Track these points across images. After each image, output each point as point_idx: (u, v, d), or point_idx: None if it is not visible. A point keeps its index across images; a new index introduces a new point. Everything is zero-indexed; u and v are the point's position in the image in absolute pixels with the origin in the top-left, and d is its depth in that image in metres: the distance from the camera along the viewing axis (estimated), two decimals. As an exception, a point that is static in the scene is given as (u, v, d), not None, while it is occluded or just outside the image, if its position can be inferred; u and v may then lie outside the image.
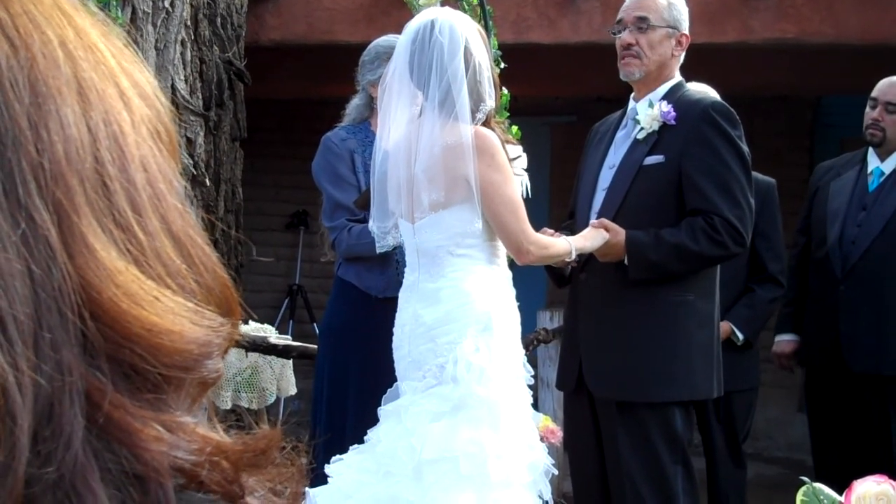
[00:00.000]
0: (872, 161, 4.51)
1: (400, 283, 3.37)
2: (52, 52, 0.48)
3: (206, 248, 0.53)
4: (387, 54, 3.76)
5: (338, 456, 3.12)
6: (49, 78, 0.47)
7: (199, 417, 0.51)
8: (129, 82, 0.52)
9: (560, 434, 4.05)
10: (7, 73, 0.46)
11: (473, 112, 3.09)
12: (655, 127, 3.48)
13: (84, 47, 0.50)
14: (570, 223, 3.74)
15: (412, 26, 3.17)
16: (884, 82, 4.47)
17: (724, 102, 3.53)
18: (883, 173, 4.46)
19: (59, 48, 0.48)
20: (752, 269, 4.55)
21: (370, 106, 3.91)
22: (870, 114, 4.46)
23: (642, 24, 3.51)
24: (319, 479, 3.02)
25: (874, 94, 4.47)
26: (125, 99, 0.51)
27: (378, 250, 3.46)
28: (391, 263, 3.75)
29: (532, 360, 3.56)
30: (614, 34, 3.60)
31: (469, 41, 3.10)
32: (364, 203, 3.61)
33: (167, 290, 0.49)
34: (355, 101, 3.99)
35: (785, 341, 4.74)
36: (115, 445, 0.47)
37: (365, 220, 3.64)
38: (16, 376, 0.43)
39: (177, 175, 0.53)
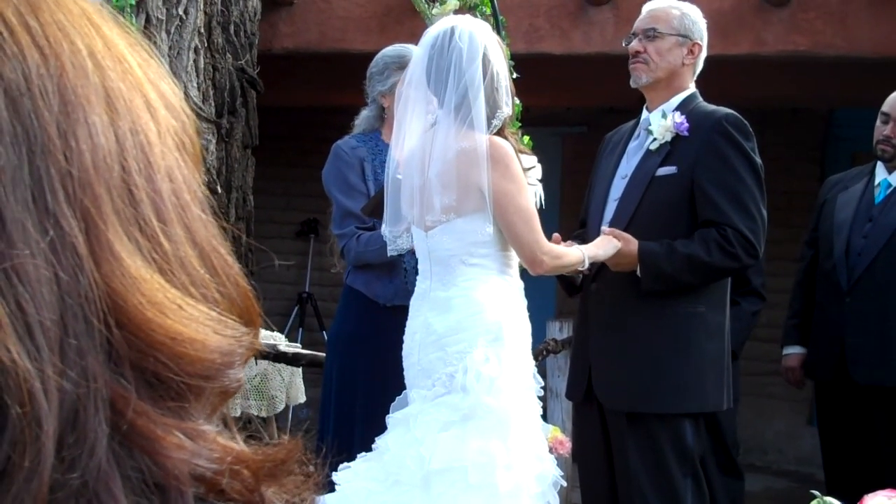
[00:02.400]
0: (880, 173, 4.50)
1: (408, 292, 3.37)
2: (82, 62, 0.48)
3: (228, 259, 0.53)
4: (396, 64, 3.77)
5: (346, 464, 3.12)
6: (78, 87, 0.48)
7: (219, 426, 0.51)
8: (155, 93, 0.52)
9: (569, 445, 4.05)
10: (37, 81, 0.46)
11: (489, 119, 3.10)
12: (668, 138, 3.49)
13: (112, 58, 0.50)
14: (581, 233, 3.74)
15: (431, 33, 3.18)
16: (895, 97, 4.45)
17: (737, 114, 3.53)
18: (890, 185, 4.45)
19: (88, 58, 0.49)
20: (736, 283, 4.58)
21: (381, 117, 3.92)
22: (880, 129, 4.43)
23: (651, 32, 3.55)
24: (327, 486, 3.02)
25: (885, 108, 4.44)
26: (152, 109, 0.51)
27: (389, 253, 3.46)
28: (399, 272, 3.75)
29: (541, 371, 3.55)
30: (626, 45, 3.63)
31: (488, 49, 3.11)
32: (371, 210, 3.62)
33: (191, 299, 0.50)
34: (365, 113, 3.99)
35: (792, 355, 4.73)
36: (137, 453, 0.47)
37: (374, 228, 3.65)
38: (42, 382, 0.44)
39: (201, 186, 0.53)
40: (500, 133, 3.13)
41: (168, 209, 0.50)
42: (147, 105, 0.51)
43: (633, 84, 3.59)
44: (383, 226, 3.34)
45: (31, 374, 0.43)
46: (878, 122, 4.45)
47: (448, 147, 3.09)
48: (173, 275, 0.49)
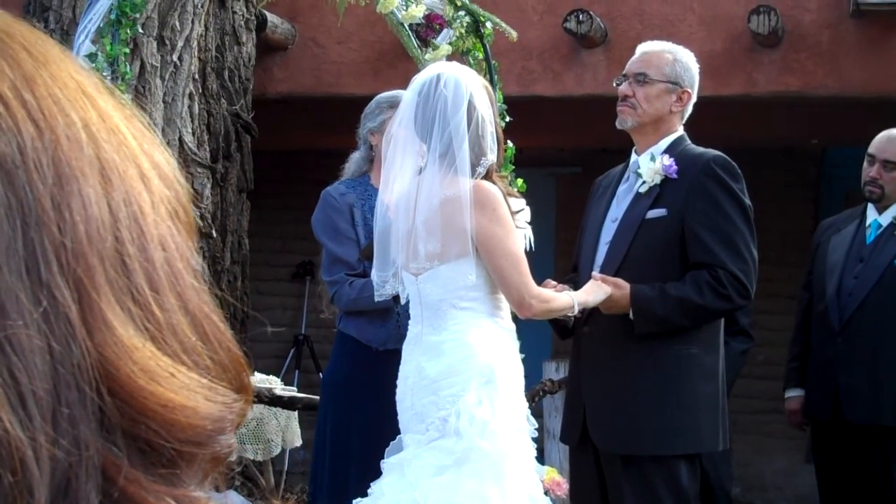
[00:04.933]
0: (871, 214, 4.53)
1: (400, 336, 3.37)
2: (76, 134, 0.49)
3: (220, 326, 0.54)
4: (388, 103, 3.79)
5: (341, 509, 3.11)
6: (72, 159, 0.48)
7: (210, 492, 0.52)
8: (149, 164, 0.53)
9: (566, 486, 4.02)
10: (32, 154, 0.47)
11: (474, 166, 3.12)
12: (657, 180, 3.50)
13: (107, 129, 0.51)
14: (573, 276, 3.74)
15: (419, 79, 3.21)
16: (880, 138, 4.48)
17: (725, 156, 3.55)
18: (880, 226, 4.48)
19: (82, 130, 0.50)
20: (724, 323, 4.59)
21: (370, 159, 3.93)
22: (867, 170, 4.48)
23: (641, 77, 3.56)
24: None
25: (871, 150, 4.48)
26: (145, 180, 0.52)
27: (376, 299, 3.46)
28: (391, 316, 3.75)
29: (538, 411, 3.55)
30: (616, 85, 3.65)
31: (473, 96, 3.13)
32: (369, 253, 3.63)
33: (182, 367, 0.50)
34: (355, 156, 4.01)
35: (794, 398, 4.75)
36: None
37: (364, 274, 3.65)
38: (34, 450, 0.44)
39: (193, 254, 0.54)
40: (487, 178, 3.14)
41: (161, 278, 0.51)
42: (141, 175, 0.52)
43: (618, 125, 3.61)
44: (372, 271, 3.35)
45: (24, 443, 0.44)
46: (864, 164, 4.49)
47: (433, 195, 3.10)
48: (165, 343, 0.50)
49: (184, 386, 0.49)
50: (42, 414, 0.45)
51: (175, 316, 0.51)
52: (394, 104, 3.63)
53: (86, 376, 0.46)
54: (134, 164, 0.52)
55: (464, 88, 3.12)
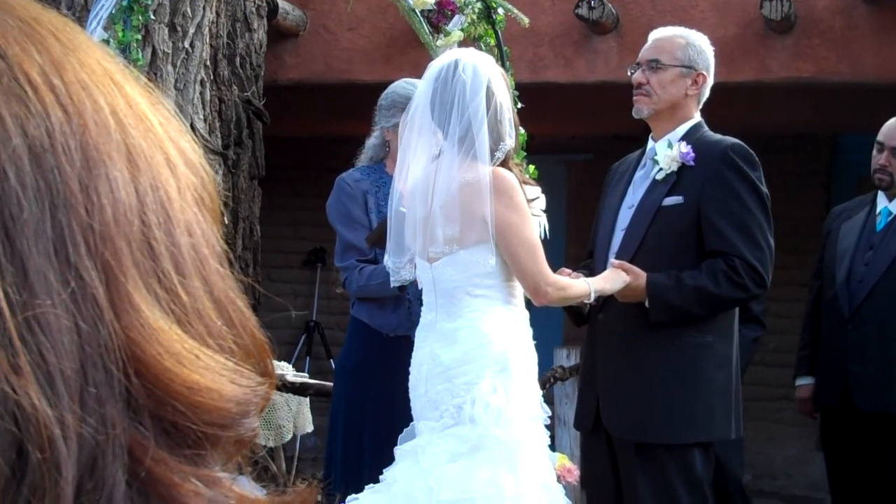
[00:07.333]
0: (881, 202, 4.52)
1: (412, 323, 3.38)
2: (104, 120, 0.50)
3: (245, 311, 0.54)
4: (402, 104, 3.77)
5: (353, 495, 3.12)
6: (100, 144, 0.49)
7: (234, 475, 0.52)
8: (175, 150, 0.54)
9: (577, 473, 4.03)
10: (60, 139, 0.48)
11: (492, 151, 3.12)
12: (674, 168, 3.49)
13: (134, 116, 0.52)
14: (588, 262, 3.74)
15: (436, 65, 3.21)
16: (890, 125, 4.46)
17: (743, 144, 3.54)
18: (890, 213, 4.47)
19: (110, 116, 0.50)
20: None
21: (385, 146, 3.94)
22: (877, 158, 4.46)
23: (654, 64, 3.56)
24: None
25: (880, 137, 4.46)
26: (172, 166, 0.53)
27: (392, 285, 3.47)
28: (403, 303, 3.76)
29: (549, 398, 3.56)
30: (630, 74, 3.64)
31: (491, 81, 3.14)
32: (375, 240, 3.63)
33: (208, 350, 0.51)
34: (371, 141, 4.02)
35: (804, 386, 4.75)
36: (155, 499, 0.48)
37: (375, 261, 3.66)
38: (62, 429, 0.45)
39: (219, 240, 0.54)
40: (504, 164, 3.15)
41: (186, 262, 0.51)
42: (167, 161, 0.53)
43: (635, 115, 3.61)
44: (386, 257, 3.36)
45: (52, 420, 0.44)
46: (874, 152, 4.48)
47: (452, 179, 3.11)
48: (191, 326, 0.51)
49: (209, 368, 0.50)
50: (70, 393, 0.45)
51: (200, 300, 0.51)
52: (406, 106, 3.62)
53: (113, 357, 0.47)
54: (160, 151, 0.52)
55: (482, 74, 3.13)
